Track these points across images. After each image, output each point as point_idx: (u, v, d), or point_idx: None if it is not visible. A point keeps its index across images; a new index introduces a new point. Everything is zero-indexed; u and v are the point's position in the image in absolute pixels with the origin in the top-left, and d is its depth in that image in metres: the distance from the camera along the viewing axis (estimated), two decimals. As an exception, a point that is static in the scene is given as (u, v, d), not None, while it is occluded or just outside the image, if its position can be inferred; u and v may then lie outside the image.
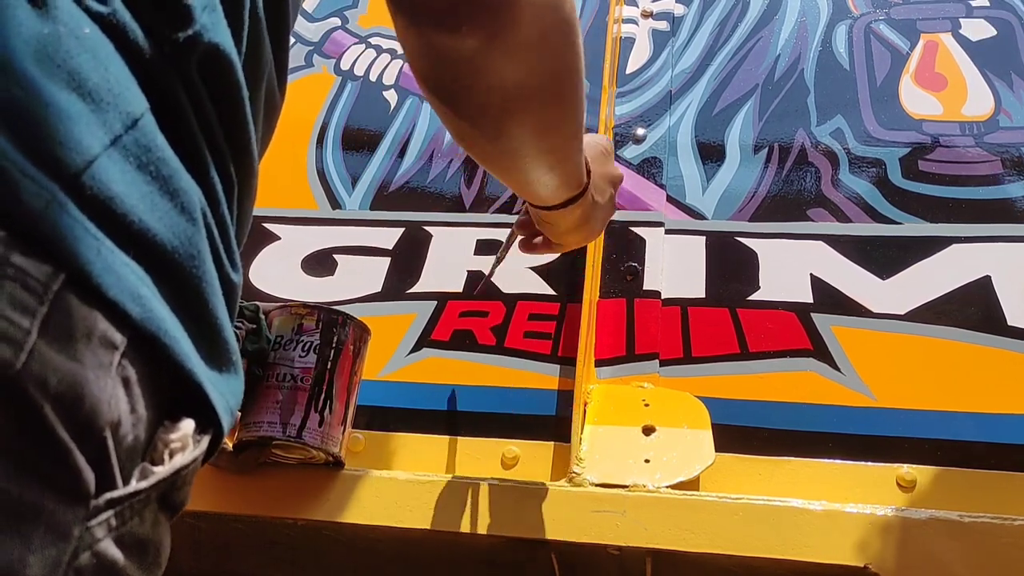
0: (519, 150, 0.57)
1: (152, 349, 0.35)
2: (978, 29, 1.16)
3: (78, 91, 0.33)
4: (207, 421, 0.38)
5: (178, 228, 0.36)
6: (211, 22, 0.38)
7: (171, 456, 0.36)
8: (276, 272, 1.07)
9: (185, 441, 0.37)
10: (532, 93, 0.53)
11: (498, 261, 0.88)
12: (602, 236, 1.02)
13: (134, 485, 0.34)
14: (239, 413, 0.76)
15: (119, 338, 0.33)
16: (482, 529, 0.74)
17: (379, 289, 1.03)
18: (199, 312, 0.38)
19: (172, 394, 0.37)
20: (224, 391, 0.39)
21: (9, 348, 0.29)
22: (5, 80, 0.31)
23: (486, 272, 0.92)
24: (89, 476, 0.32)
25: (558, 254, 0.81)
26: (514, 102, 0.53)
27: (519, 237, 0.81)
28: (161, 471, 0.36)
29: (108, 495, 0.33)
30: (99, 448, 0.32)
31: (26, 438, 0.30)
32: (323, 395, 0.77)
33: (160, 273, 0.35)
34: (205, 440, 0.38)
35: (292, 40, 0.54)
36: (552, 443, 0.87)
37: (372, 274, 1.05)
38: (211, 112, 0.39)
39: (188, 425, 0.37)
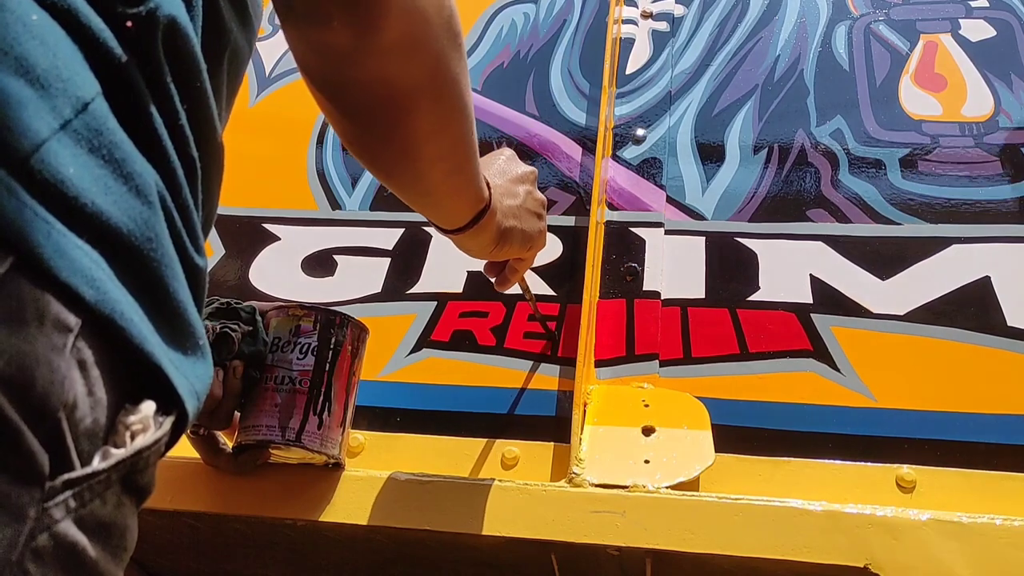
0: (407, 152, 0.58)
1: (109, 331, 0.35)
2: (978, 29, 1.16)
3: (26, 77, 0.33)
4: (170, 403, 0.38)
5: (133, 211, 0.36)
6: None
7: (132, 438, 0.36)
8: (276, 272, 1.07)
9: (146, 423, 0.37)
10: (409, 93, 0.53)
11: (530, 295, 0.91)
12: (602, 236, 1.02)
13: (93, 466, 0.34)
14: (239, 414, 0.77)
15: (73, 320, 0.33)
16: (482, 529, 0.74)
17: (379, 290, 1.03)
18: (159, 295, 0.37)
19: (133, 377, 0.37)
20: (188, 373, 0.39)
21: None
22: None
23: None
24: (43, 458, 0.32)
25: (527, 267, 0.81)
26: (392, 100, 0.53)
27: (493, 279, 0.81)
28: (121, 452, 0.36)
29: (65, 476, 0.33)
30: (53, 430, 0.32)
31: None
32: (321, 397, 0.76)
33: (116, 256, 0.35)
34: (168, 422, 0.38)
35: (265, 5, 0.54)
36: (552, 443, 0.87)
37: (372, 275, 1.05)
38: (172, 92, 0.39)
39: (149, 407, 0.37)
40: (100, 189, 0.35)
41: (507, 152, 0.77)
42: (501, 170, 0.74)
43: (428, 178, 0.61)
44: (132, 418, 0.36)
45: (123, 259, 0.36)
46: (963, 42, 1.15)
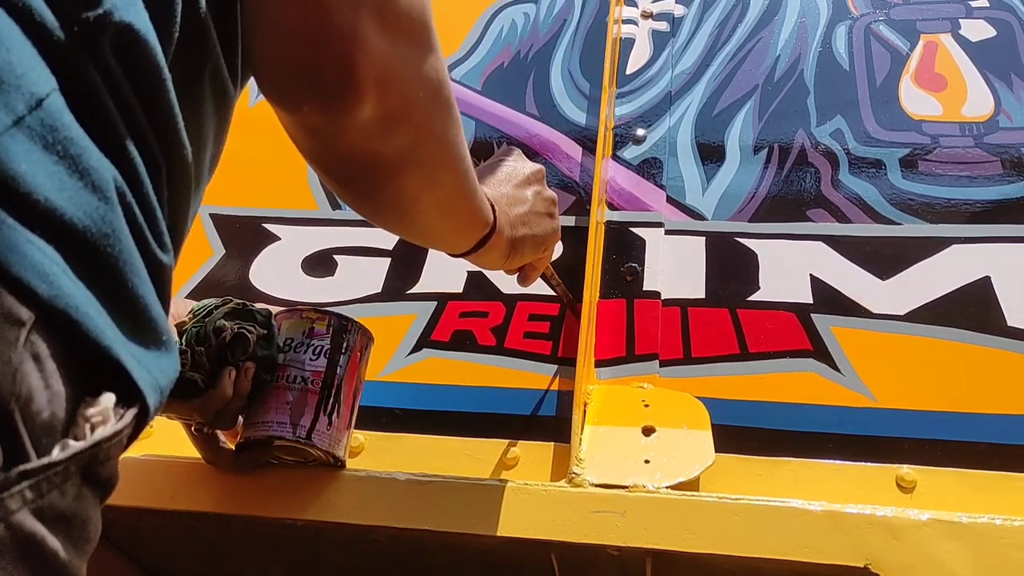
0: (397, 208, 0.57)
1: (64, 325, 0.35)
2: (978, 30, 1.16)
3: None
4: (131, 396, 0.38)
5: (89, 207, 0.36)
6: (123, 2, 0.38)
7: (92, 430, 0.36)
8: (276, 272, 1.07)
9: (105, 415, 0.37)
10: (392, 162, 0.52)
11: (558, 283, 0.90)
12: (602, 236, 1.02)
13: (50, 457, 0.34)
14: (245, 414, 0.77)
15: (25, 314, 0.33)
16: (482, 529, 0.74)
17: (379, 290, 1.03)
18: (117, 290, 0.37)
19: (91, 370, 0.37)
20: (151, 367, 0.39)
21: None
22: None
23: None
24: None
25: (545, 264, 0.81)
26: (376, 170, 0.53)
27: (516, 275, 0.80)
28: (80, 444, 0.36)
29: (20, 467, 0.33)
30: (5, 422, 0.32)
31: None
32: (332, 398, 0.77)
33: (72, 251, 0.35)
34: (130, 414, 0.38)
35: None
36: (552, 443, 0.87)
37: (372, 274, 1.05)
38: (129, 93, 0.39)
39: (108, 399, 0.37)
40: (54, 185, 0.35)
41: (513, 152, 0.76)
42: (507, 175, 0.73)
43: (424, 224, 0.61)
44: (91, 410, 0.36)
45: (79, 255, 0.36)
46: (963, 42, 1.15)
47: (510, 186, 0.72)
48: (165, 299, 0.42)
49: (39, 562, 0.35)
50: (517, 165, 0.75)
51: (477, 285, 1.01)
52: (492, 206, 0.67)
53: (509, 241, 0.70)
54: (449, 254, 0.69)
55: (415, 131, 0.52)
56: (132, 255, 0.38)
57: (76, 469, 0.36)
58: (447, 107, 0.54)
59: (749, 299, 0.95)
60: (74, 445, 0.36)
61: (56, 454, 0.35)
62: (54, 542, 0.35)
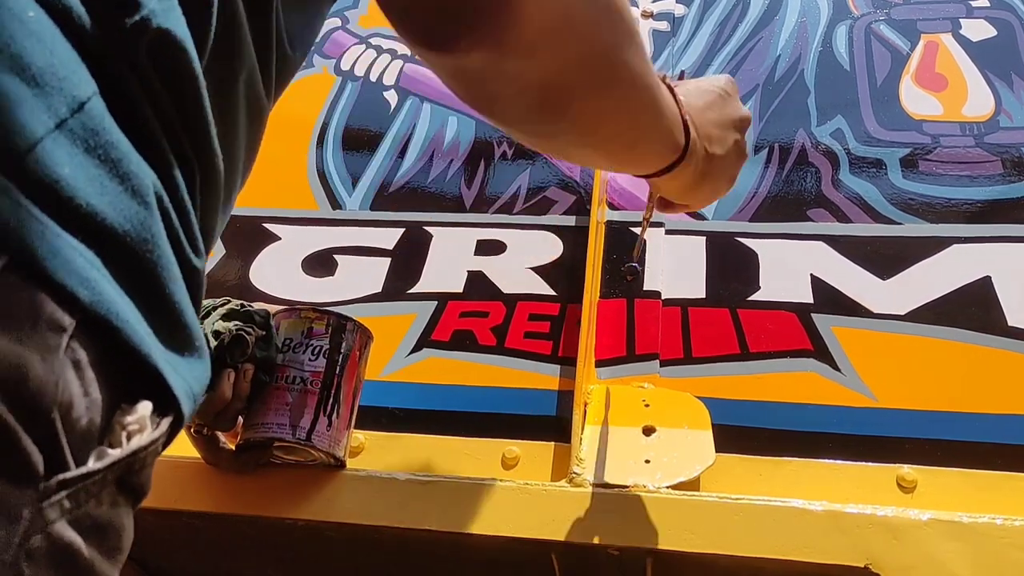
0: (586, 140, 0.54)
1: (104, 332, 0.34)
2: (978, 29, 1.16)
3: (21, 75, 0.32)
4: (166, 404, 0.38)
5: (129, 211, 0.36)
6: (161, 8, 0.38)
7: (128, 439, 0.36)
8: (276, 272, 1.07)
9: (143, 423, 0.36)
10: (566, 87, 0.48)
11: (646, 220, 0.83)
12: (603, 236, 1.02)
13: (88, 466, 0.34)
14: (244, 415, 0.77)
15: (67, 320, 0.33)
16: (482, 529, 0.74)
17: (379, 289, 1.03)
18: (155, 295, 0.37)
19: (129, 377, 0.36)
20: (185, 374, 0.39)
21: None
22: None
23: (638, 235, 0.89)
24: (38, 458, 0.32)
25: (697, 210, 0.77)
26: (554, 98, 0.48)
27: (658, 195, 0.74)
28: (117, 453, 0.35)
29: (59, 476, 0.33)
30: (48, 430, 0.32)
31: None
32: (331, 399, 0.77)
33: (112, 256, 0.35)
34: (165, 423, 0.38)
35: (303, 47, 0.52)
36: (552, 443, 0.87)
37: (372, 274, 1.04)
38: (165, 99, 0.39)
39: (145, 407, 0.37)
40: (96, 189, 0.34)
41: (723, 85, 0.68)
42: (719, 110, 0.66)
43: (611, 152, 0.58)
44: (128, 418, 0.36)
45: (119, 260, 0.35)
46: (964, 42, 1.15)
47: (716, 126, 0.65)
48: (197, 304, 0.41)
49: (74, 573, 0.34)
50: (730, 104, 0.68)
51: (477, 285, 1.01)
52: (687, 130, 0.61)
53: (697, 174, 0.65)
54: (632, 175, 0.66)
55: (578, 43, 0.46)
56: (169, 260, 0.38)
57: (112, 478, 0.36)
58: (608, 10, 0.48)
59: (749, 299, 0.95)
60: (112, 454, 0.35)
61: (94, 463, 0.34)
62: (90, 552, 0.35)
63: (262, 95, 0.48)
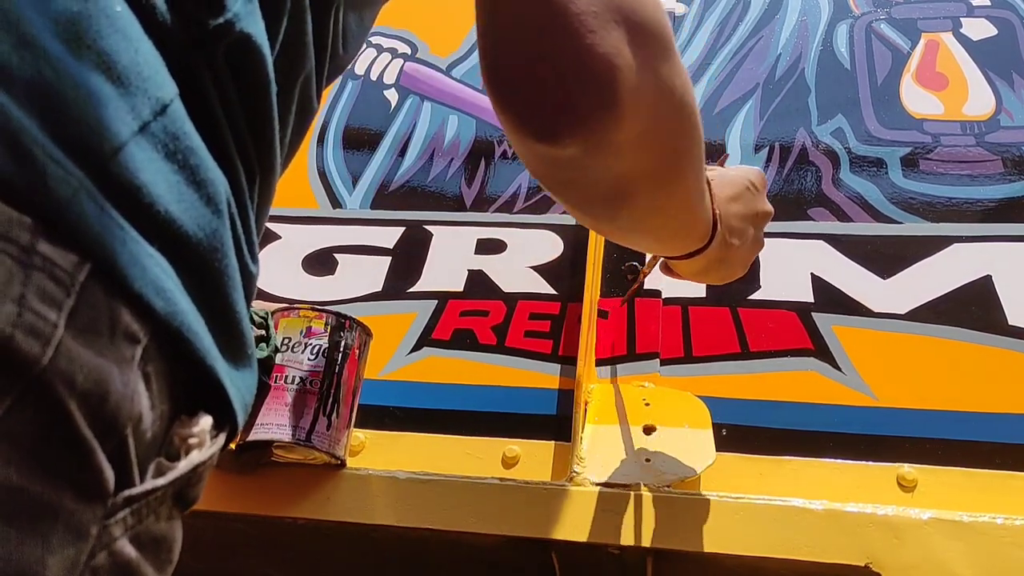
0: (635, 227, 0.57)
1: (174, 344, 0.33)
2: (979, 28, 1.16)
3: (108, 73, 0.31)
4: (224, 417, 0.37)
5: (203, 220, 0.35)
6: (245, 12, 0.37)
7: (187, 452, 0.35)
8: (277, 271, 1.07)
9: (203, 437, 0.36)
10: (640, 180, 0.50)
11: (643, 275, 0.88)
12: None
13: (152, 483, 0.33)
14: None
15: (142, 332, 0.32)
16: (482, 529, 0.74)
17: (379, 288, 1.03)
18: (220, 306, 0.36)
19: (190, 388, 0.36)
20: (240, 385, 0.38)
21: (36, 343, 0.28)
22: (34, 59, 0.29)
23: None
24: (109, 475, 0.31)
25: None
26: (622, 191, 0.51)
27: (660, 259, 0.76)
28: (179, 468, 0.35)
29: (126, 493, 0.32)
30: (119, 445, 0.31)
31: (50, 437, 0.28)
32: (330, 399, 0.77)
33: (183, 265, 0.34)
34: (223, 436, 0.37)
35: (353, 51, 0.52)
36: (552, 443, 0.87)
37: (373, 273, 1.04)
38: (236, 103, 0.38)
39: (206, 421, 0.36)
40: (174, 196, 0.33)
41: (752, 179, 0.70)
42: (745, 203, 0.68)
43: (653, 236, 0.61)
44: (189, 431, 0.35)
45: (190, 268, 0.34)
46: (965, 41, 1.15)
47: (739, 219, 0.67)
48: (249, 309, 0.41)
49: None
50: (757, 199, 0.70)
51: (478, 284, 1.01)
52: (714, 224, 0.63)
53: (713, 260, 0.67)
54: (655, 254, 0.69)
55: (660, 147, 0.49)
56: (234, 269, 0.37)
57: (171, 492, 0.35)
58: (690, 118, 0.50)
59: (750, 298, 0.95)
60: (176, 468, 0.34)
61: (158, 479, 0.34)
62: (144, 567, 0.34)
63: (313, 97, 0.47)
